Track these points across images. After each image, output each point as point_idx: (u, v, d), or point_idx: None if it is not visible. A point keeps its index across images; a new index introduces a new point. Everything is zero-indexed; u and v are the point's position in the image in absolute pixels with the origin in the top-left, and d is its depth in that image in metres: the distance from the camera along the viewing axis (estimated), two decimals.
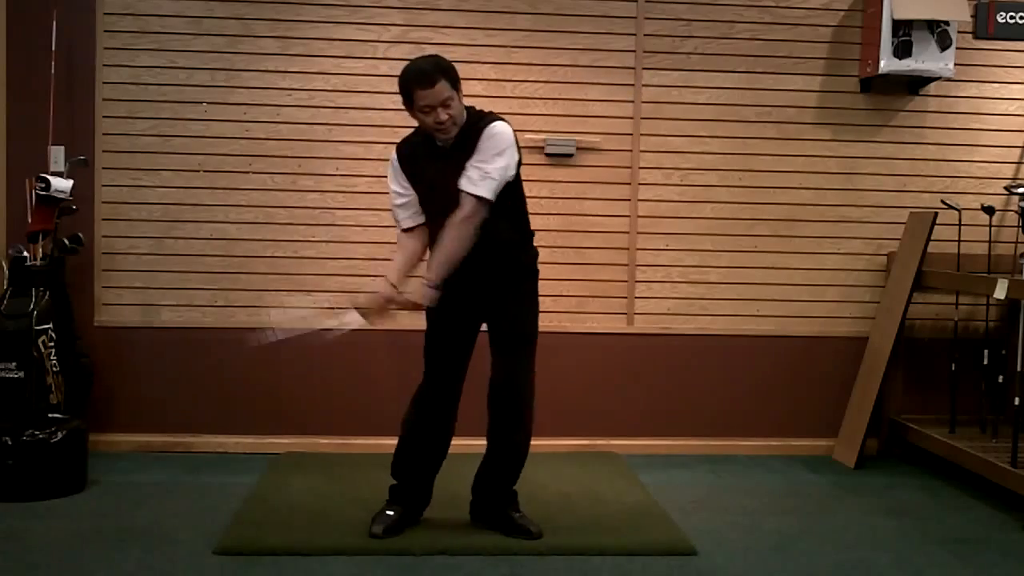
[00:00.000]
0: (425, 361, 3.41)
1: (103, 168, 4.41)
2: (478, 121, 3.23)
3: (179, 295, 4.47)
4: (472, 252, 3.17)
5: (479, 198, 3.13)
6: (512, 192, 3.26)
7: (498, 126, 3.19)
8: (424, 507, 3.51)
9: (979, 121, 4.73)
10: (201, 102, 4.44)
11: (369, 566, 3.14)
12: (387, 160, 4.41)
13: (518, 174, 3.28)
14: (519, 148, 3.27)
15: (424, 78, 3.10)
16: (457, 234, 3.13)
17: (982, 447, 4.11)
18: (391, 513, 3.41)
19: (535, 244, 3.46)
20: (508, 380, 3.33)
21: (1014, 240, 4.52)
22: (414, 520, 3.47)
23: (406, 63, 3.23)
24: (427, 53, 3.38)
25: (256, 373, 4.49)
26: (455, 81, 3.16)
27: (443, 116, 3.12)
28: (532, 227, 3.47)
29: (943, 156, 4.73)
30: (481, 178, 3.13)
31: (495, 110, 4.53)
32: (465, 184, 3.13)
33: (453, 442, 3.60)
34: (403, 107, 3.25)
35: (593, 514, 3.68)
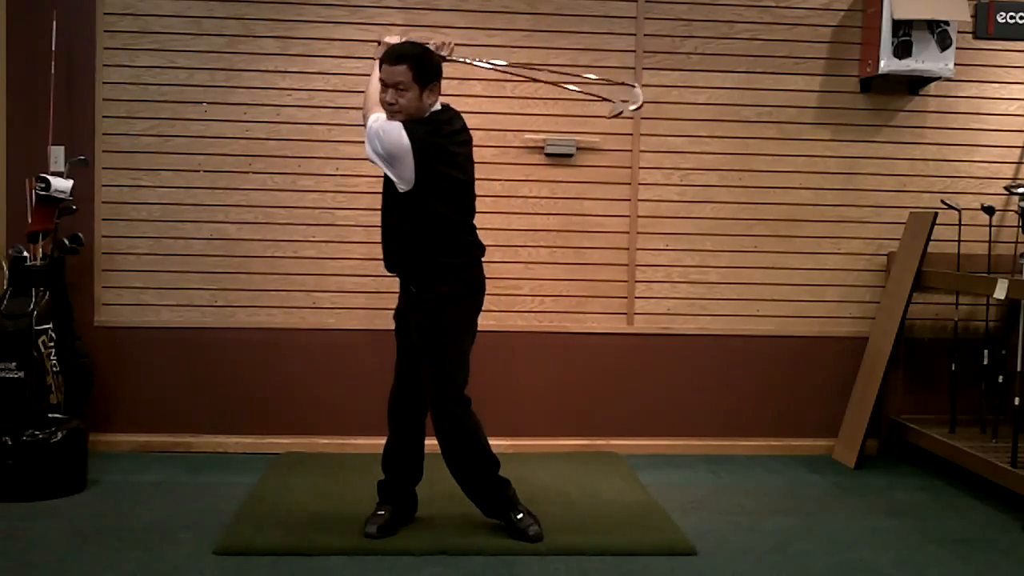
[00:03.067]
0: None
1: (103, 168, 4.41)
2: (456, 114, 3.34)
3: (179, 295, 4.47)
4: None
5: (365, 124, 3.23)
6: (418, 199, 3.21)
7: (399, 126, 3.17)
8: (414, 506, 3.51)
9: (979, 121, 4.73)
10: (201, 102, 4.44)
11: (369, 566, 3.14)
12: None
13: (432, 184, 3.20)
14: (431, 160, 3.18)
15: (390, 54, 3.19)
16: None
17: (982, 447, 4.11)
18: (383, 512, 3.41)
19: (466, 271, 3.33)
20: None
21: (1014, 240, 4.52)
22: (407, 519, 3.47)
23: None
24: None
25: (256, 373, 4.50)
26: (425, 76, 3.17)
27: (389, 97, 3.17)
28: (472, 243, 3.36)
29: (943, 156, 4.73)
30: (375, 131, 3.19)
31: (495, 110, 4.51)
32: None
33: None
34: None
35: (593, 514, 3.67)
